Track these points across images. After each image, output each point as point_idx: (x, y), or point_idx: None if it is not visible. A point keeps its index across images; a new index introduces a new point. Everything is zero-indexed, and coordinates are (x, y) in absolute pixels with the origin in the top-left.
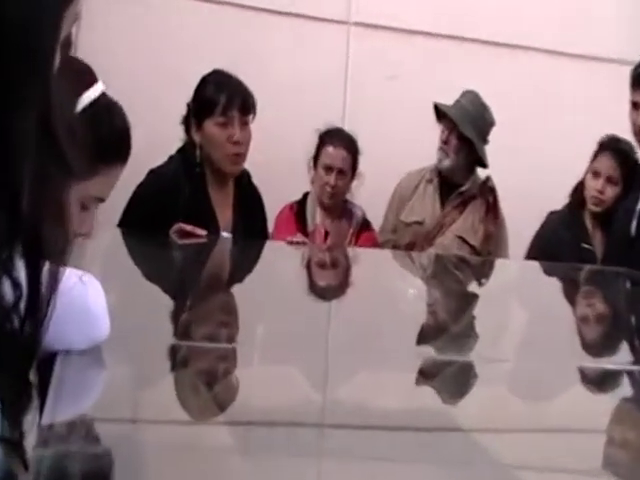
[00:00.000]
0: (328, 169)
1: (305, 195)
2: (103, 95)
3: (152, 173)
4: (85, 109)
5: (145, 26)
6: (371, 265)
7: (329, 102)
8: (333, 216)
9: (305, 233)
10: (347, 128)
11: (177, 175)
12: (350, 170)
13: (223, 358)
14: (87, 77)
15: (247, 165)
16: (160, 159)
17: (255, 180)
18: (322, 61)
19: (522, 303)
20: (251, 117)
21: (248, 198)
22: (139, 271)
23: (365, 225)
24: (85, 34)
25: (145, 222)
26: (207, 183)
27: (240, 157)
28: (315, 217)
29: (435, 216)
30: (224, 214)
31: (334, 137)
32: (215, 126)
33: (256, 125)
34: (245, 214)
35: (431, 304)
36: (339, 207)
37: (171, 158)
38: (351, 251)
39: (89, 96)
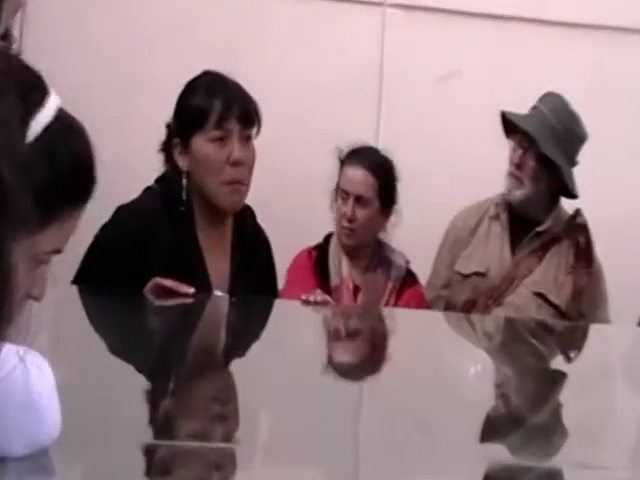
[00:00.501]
0: (344, 196)
1: (328, 238)
2: (59, 114)
3: (121, 211)
4: (37, 138)
5: (111, 15)
6: (416, 332)
7: (358, 112)
8: (365, 266)
9: (328, 289)
10: (381, 146)
11: (155, 214)
12: (376, 199)
13: (217, 462)
14: (37, 93)
15: (250, 199)
16: (131, 192)
17: (261, 219)
18: (348, 57)
19: (630, 386)
20: (254, 131)
21: (251, 244)
22: (103, 343)
23: (409, 279)
24: (32, 26)
25: (111, 277)
26: (195, 224)
27: (241, 185)
28: (341, 267)
29: (504, 265)
30: (218, 266)
31: (354, 155)
32: (207, 143)
33: (261, 142)
34: (247, 266)
35: (500, 385)
36: (370, 253)
37: (147, 191)
38: (389, 313)
39: (41, 120)
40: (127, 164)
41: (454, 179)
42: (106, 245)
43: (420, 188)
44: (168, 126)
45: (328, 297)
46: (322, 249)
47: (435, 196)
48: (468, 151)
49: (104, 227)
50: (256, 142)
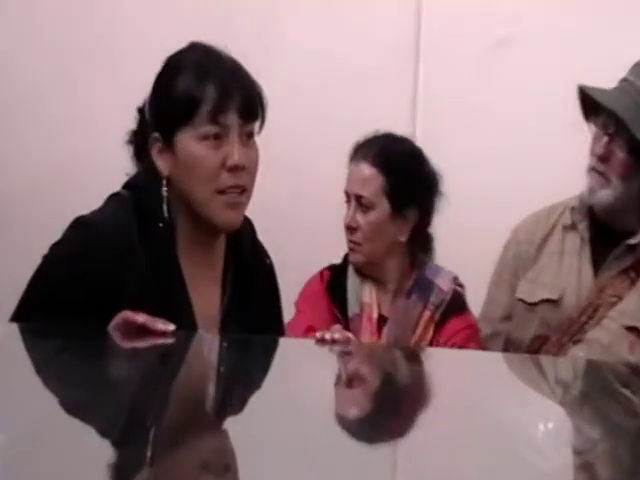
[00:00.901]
0: (346, 200)
1: (346, 258)
2: None
3: (78, 226)
4: None
5: None
6: (466, 378)
7: (391, 95)
8: (394, 290)
9: (344, 320)
10: (419, 141)
11: (124, 230)
12: (384, 200)
13: None
14: None
15: (252, 205)
16: (91, 202)
17: (267, 232)
18: (379, 29)
19: None
20: (257, 126)
21: (249, 270)
22: (54, 398)
23: (455, 305)
24: None
25: (63, 313)
26: (177, 244)
27: (240, 196)
28: (363, 292)
29: (583, 290)
30: (206, 299)
31: (359, 147)
32: (197, 141)
33: (271, 134)
34: (243, 299)
35: (580, 452)
36: (400, 272)
37: (113, 200)
38: (429, 353)
39: None
40: (89, 159)
41: (514, 177)
42: (58, 271)
43: (464, 187)
44: (140, 111)
45: (349, 334)
46: (338, 270)
47: (482, 197)
48: (530, 140)
49: (55, 246)
50: (265, 134)
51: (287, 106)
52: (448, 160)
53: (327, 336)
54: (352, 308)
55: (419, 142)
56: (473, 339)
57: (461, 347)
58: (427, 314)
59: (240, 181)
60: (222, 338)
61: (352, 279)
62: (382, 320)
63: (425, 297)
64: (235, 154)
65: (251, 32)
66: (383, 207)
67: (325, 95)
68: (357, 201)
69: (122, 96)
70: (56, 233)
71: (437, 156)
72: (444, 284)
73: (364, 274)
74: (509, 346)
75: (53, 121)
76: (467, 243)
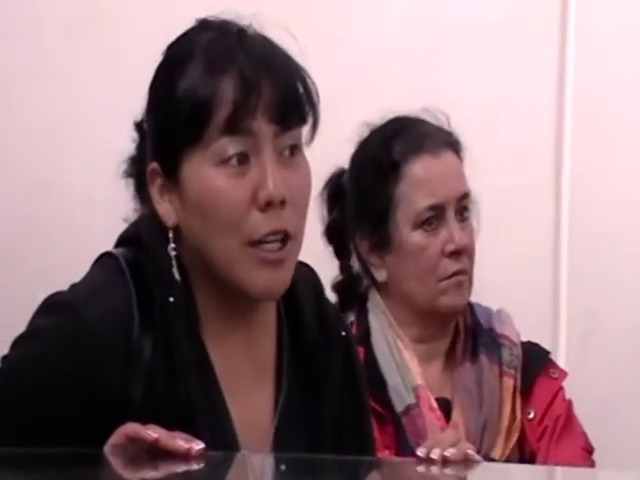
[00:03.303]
0: (431, 214)
1: (363, 307)
2: None
3: (57, 311)
4: None
5: None
6: None
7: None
8: (442, 352)
9: (393, 419)
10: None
11: (121, 313)
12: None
13: None
14: None
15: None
16: (78, 266)
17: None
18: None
19: None
20: (306, 133)
21: (315, 353)
22: None
23: (534, 360)
24: None
25: (34, 438)
26: (200, 328)
27: (285, 247)
28: (410, 369)
29: None
30: (251, 402)
31: (426, 138)
32: (212, 168)
33: (320, 157)
34: (308, 398)
35: None
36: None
37: (101, 266)
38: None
39: None
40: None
41: None
42: (24, 379)
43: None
44: (138, 127)
45: (470, 448)
46: (363, 337)
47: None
48: None
49: (20, 342)
50: (310, 154)
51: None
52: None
53: (435, 454)
54: (401, 397)
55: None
56: (571, 405)
57: (568, 421)
58: (509, 382)
59: (281, 223)
60: (277, 459)
61: (390, 350)
62: (441, 405)
63: (496, 356)
64: (269, 181)
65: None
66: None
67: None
68: (457, 207)
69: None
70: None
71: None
72: (510, 330)
73: (419, 340)
74: None
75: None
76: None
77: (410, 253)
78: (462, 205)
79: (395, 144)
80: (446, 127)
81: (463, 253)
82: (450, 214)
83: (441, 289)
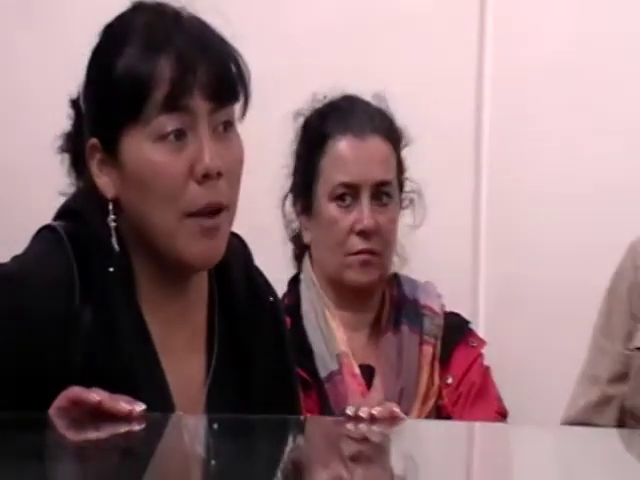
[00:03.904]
0: (344, 191)
1: (296, 287)
2: None
3: (6, 281)
4: None
5: None
6: (569, 461)
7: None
8: (368, 323)
9: (319, 385)
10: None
11: (62, 283)
12: (398, 190)
13: None
14: None
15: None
16: (17, 239)
17: (267, 254)
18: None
19: None
20: (237, 111)
21: (245, 317)
22: None
23: (455, 330)
24: None
25: None
26: (137, 295)
27: (219, 217)
28: (335, 338)
29: None
30: (185, 365)
31: (353, 119)
32: (150, 143)
33: (248, 133)
34: (238, 360)
35: None
36: (379, 296)
37: (45, 235)
38: (514, 430)
39: None
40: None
41: (611, 182)
42: None
43: (553, 193)
44: (74, 103)
45: (396, 408)
46: (292, 308)
47: (578, 207)
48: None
49: None
50: (254, 118)
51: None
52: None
53: (363, 412)
54: (325, 363)
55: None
56: (488, 372)
57: (483, 387)
58: (428, 350)
59: (215, 195)
60: (210, 419)
61: (317, 318)
62: (364, 372)
63: (418, 326)
64: (206, 155)
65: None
66: (397, 198)
67: (350, 60)
68: (375, 192)
69: (55, 77)
70: None
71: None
72: (433, 301)
73: (339, 306)
74: (627, 417)
75: None
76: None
77: (324, 223)
78: (381, 190)
79: (329, 119)
80: (388, 114)
81: (373, 234)
82: (365, 195)
83: (347, 263)
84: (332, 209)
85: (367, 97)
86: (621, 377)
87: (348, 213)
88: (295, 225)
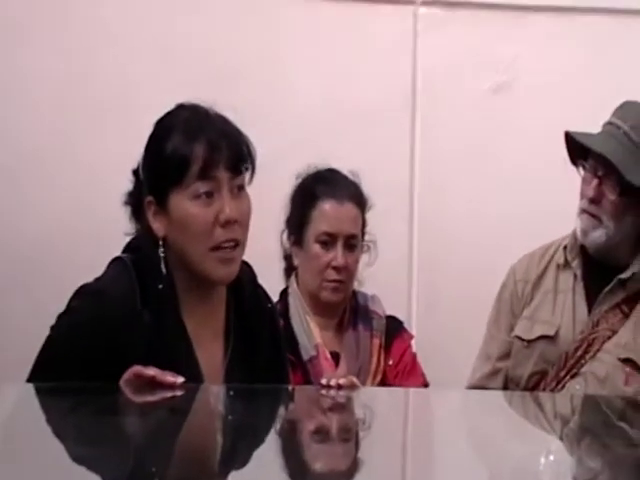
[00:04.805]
0: (326, 238)
1: (285, 297)
2: None
3: (85, 294)
4: None
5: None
6: (469, 416)
7: (388, 138)
8: (337, 324)
9: (302, 365)
10: (418, 177)
11: (128, 296)
12: (361, 239)
13: None
14: None
15: (252, 256)
16: (94, 267)
17: (267, 277)
18: (374, 69)
19: None
20: (248, 176)
21: (251, 317)
22: (68, 455)
23: (393, 326)
24: None
25: (76, 372)
26: (179, 303)
27: (233, 251)
28: (312, 332)
29: (578, 325)
30: (210, 351)
31: (336, 189)
32: (189, 201)
33: (271, 180)
34: (246, 348)
35: None
36: (343, 306)
37: (116, 264)
38: (432, 393)
39: None
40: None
41: (508, 218)
42: (65, 342)
43: (465, 229)
44: (135, 173)
45: (354, 379)
46: (282, 312)
47: (482, 239)
48: (527, 183)
49: (62, 316)
50: (262, 181)
51: (281, 147)
52: (447, 204)
53: (333, 382)
54: (307, 350)
55: (418, 187)
56: (415, 356)
57: (413, 366)
58: (376, 342)
59: (233, 235)
60: (227, 388)
61: (300, 320)
62: (334, 356)
63: (369, 325)
64: (227, 208)
65: (240, 78)
66: (360, 245)
67: (326, 142)
68: (347, 241)
69: (126, 156)
70: (68, 290)
71: (436, 200)
72: (378, 308)
73: (315, 313)
74: (509, 383)
75: (55, 182)
76: (464, 284)
77: (310, 256)
78: (351, 240)
79: (318, 185)
80: (358, 185)
81: (343, 270)
82: (340, 242)
83: (324, 287)
84: (316, 248)
85: (344, 171)
86: (506, 356)
87: (327, 252)
88: (287, 247)
